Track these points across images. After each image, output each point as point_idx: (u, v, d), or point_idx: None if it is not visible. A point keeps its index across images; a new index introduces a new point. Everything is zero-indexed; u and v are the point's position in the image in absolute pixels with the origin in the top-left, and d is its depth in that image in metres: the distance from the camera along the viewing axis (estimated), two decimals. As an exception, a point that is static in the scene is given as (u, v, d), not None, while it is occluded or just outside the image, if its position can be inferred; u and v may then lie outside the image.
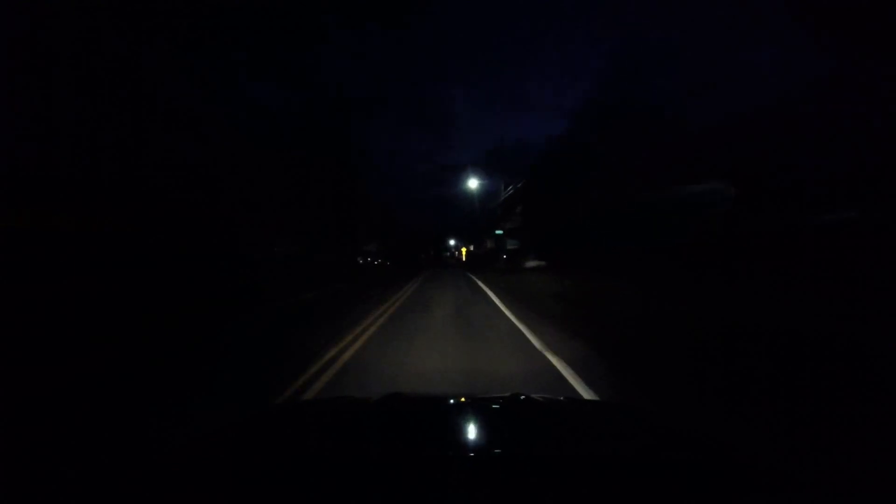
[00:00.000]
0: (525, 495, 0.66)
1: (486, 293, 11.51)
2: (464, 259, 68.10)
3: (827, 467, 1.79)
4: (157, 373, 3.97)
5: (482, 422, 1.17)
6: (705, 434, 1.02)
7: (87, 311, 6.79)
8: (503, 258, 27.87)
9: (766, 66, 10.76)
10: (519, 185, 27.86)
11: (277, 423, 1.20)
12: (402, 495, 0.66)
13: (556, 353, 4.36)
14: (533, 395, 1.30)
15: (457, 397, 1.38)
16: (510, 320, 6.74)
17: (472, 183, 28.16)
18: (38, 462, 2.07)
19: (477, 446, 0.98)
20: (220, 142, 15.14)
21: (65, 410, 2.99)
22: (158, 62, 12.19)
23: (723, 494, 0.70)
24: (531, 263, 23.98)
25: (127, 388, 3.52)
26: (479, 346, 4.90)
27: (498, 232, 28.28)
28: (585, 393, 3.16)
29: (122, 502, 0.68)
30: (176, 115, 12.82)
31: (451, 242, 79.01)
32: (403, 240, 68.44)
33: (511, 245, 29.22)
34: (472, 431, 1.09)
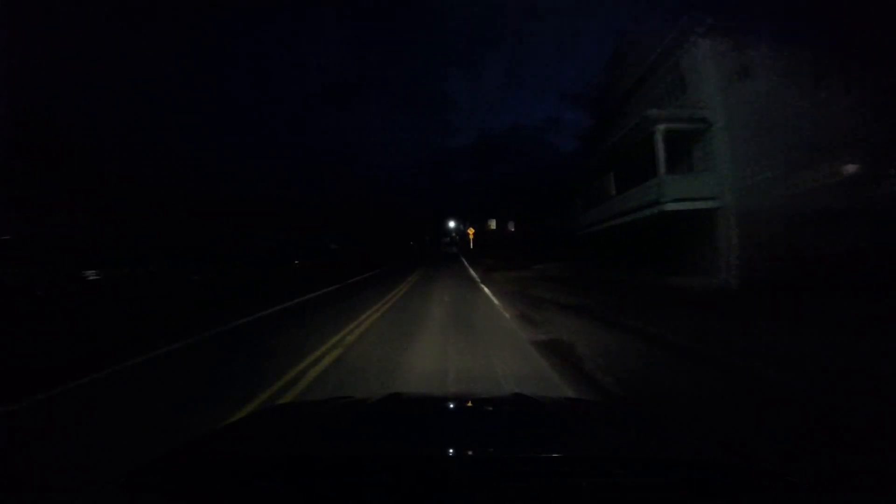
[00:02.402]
0: (525, 495, 0.67)
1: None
2: (471, 246, 47.97)
3: (826, 468, 1.77)
4: None
5: (482, 422, 1.18)
6: (705, 434, 1.01)
7: None
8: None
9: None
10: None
11: (277, 422, 1.21)
12: (402, 495, 0.67)
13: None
14: (533, 396, 1.30)
15: (457, 398, 1.38)
16: None
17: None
18: (38, 462, 2.04)
19: (477, 446, 0.98)
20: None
21: (65, 409, 2.99)
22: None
23: (723, 494, 0.71)
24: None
25: None
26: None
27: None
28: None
29: (123, 502, 0.69)
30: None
31: (451, 224, 72.71)
32: (386, 226, 57.78)
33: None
34: (471, 432, 1.10)
